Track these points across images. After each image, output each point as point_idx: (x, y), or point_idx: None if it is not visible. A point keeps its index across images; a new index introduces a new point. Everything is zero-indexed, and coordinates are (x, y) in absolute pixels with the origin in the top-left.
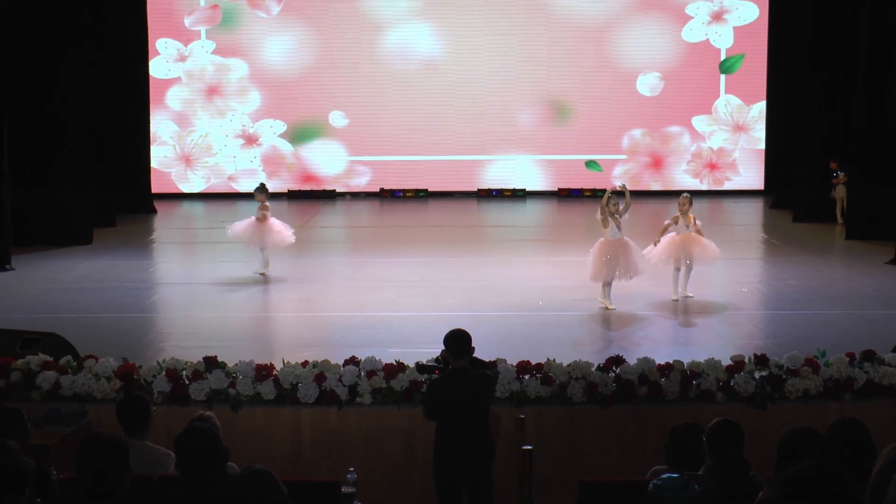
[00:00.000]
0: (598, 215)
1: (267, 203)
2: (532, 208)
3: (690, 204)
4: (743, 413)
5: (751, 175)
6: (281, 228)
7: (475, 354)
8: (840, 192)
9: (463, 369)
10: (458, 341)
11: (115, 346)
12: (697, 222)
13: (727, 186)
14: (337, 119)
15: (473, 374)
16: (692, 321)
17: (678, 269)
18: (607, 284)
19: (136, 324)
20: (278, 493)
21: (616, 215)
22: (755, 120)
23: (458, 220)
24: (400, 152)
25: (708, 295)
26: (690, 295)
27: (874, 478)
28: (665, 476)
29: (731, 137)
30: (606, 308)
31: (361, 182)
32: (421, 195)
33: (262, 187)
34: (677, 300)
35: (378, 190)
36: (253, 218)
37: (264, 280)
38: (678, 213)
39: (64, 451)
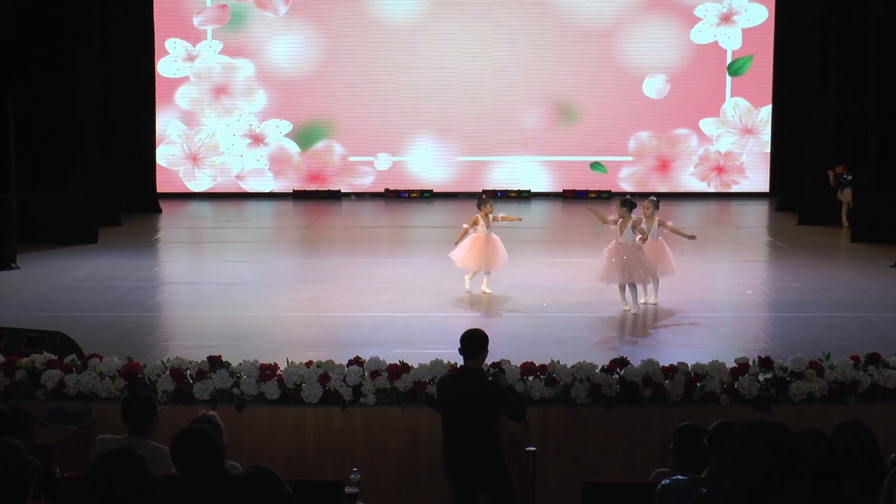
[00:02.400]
0: (611, 217)
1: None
2: (537, 209)
3: (655, 208)
4: (747, 415)
5: (758, 178)
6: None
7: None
8: (846, 195)
9: (474, 370)
10: (472, 341)
11: (119, 345)
12: (669, 223)
13: (734, 189)
14: (384, 161)
15: (484, 377)
16: (697, 323)
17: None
18: (622, 288)
19: (140, 323)
20: (283, 491)
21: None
22: (763, 123)
23: (463, 221)
24: (405, 153)
25: (713, 297)
26: (655, 302)
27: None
28: (672, 479)
29: (740, 140)
30: (624, 310)
31: (366, 182)
32: (426, 196)
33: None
34: (636, 313)
35: (383, 190)
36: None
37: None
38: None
39: (68, 449)
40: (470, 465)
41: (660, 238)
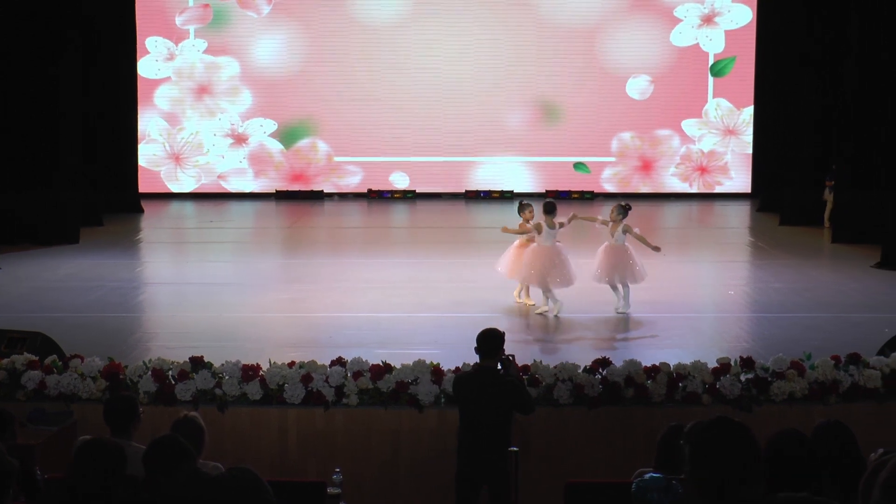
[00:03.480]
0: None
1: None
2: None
3: (621, 214)
4: (728, 415)
5: (739, 178)
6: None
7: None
8: (832, 196)
9: (490, 369)
10: (488, 340)
11: (101, 346)
12: (636, 230)
13: (716, 190)
14: (399, 179)
15: (499, 376)
16: (679, 323)
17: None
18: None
19: (122, 323)
20: (264, 492)
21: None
22: (746, 124)
23: (446, 222)
24: (389, 153)
25: (695, 297)
26: (623, 313)
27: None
28: (647, 476)
29: (722, 141)
30: (617, 311)
31: (350, 182)
32: (409, 196)
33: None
34: (624, 312)
35: (366, 191)
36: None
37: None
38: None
39: (49, 451)
40: (482, 462)
41: (626, 243)
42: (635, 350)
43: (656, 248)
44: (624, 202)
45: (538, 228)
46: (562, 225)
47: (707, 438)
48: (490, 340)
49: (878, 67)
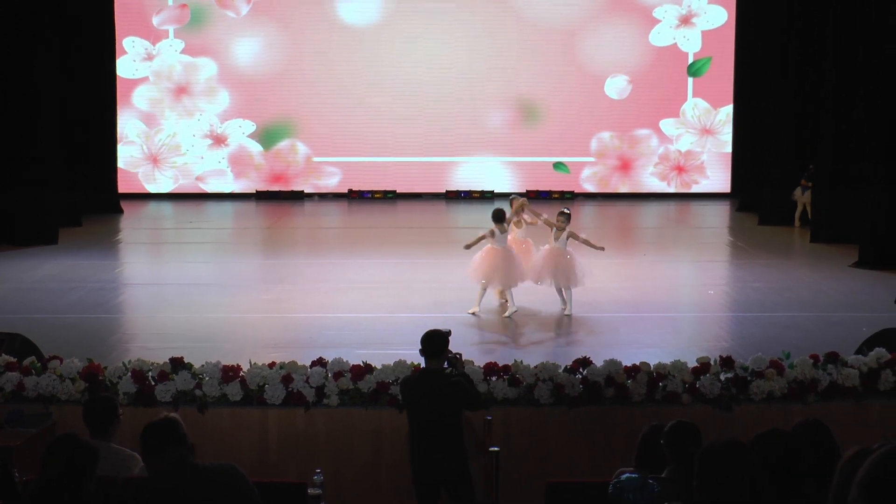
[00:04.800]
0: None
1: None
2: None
3: (566, 223)
4: (709, 415)
5: (718, 178)
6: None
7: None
8: (806, 197)
9: (436, 370)
10: (432, 342)
11: (80, 347)
12: (581, 235)
13: (695, 189)
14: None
15: (446, 376)
16: (659, 323)
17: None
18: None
19: (101, 324)
20: (249, 488)
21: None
22: (722, 123)
23: (426, 222)
24: (369, 153)
25: (674, 297)
26: (568, 314)
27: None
28: (624, 477)
29: (699, 141)
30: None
31: (330, 183)
32: (389, 196)
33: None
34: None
35: (346, 191)
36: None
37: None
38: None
39: (28, 452)
40: (435, 464)
41: (568, 248)
42: (616, 349)
43: (600, 248)
44: (567, 209)
45: (491, 234)
46: (511, 222)
47: (718, 462)
48: (434, 341)
49: (855, 67)
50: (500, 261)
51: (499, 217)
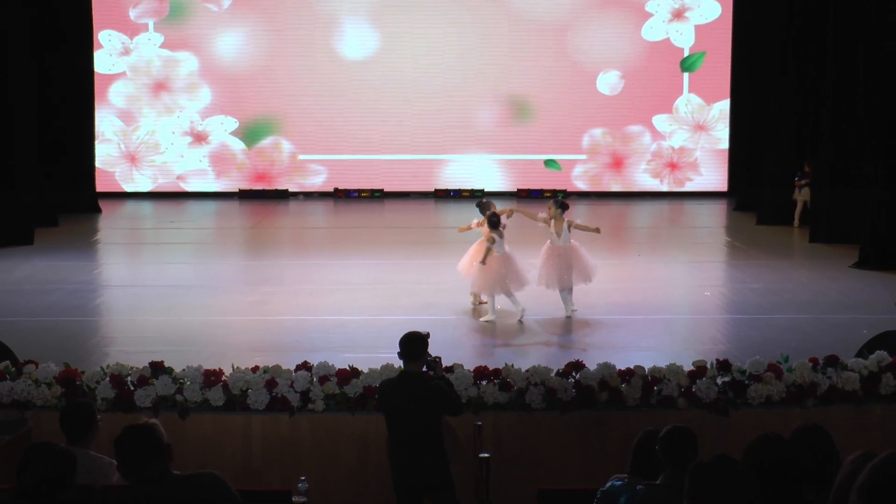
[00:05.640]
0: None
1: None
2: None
3: (559, 209)
4: (705, 419)
5: (712, 175)
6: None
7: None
8: (805, 195)
9: (415, 374)
10: (411, 344)
11: (56, 351)
12: (577, 221)
13: (689, 187)
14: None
15: (425, 380)
16: (654, 325)
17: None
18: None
19: (79, 327)
20: (232, 497)
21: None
22: (715, 119)
23: (414, 221)
24: (355, 151)
25: (670, 298)
26: (575, 311)
27: (837, 487)
28: (609, 485)
29: (692, 137)
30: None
31: (315, 182)
32: (377, 195)
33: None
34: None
35: (332, 190)
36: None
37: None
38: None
39: (2, 460)
40: (415, 470)
41: (573, 241)
42: (609, 353)
43: (596, 230)
44: (560, 196)
45: (492, 240)
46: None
47: (710, 480)
48: (413, 344)
49: (857, 60)
50: (504, 268)
51: (494, 223)
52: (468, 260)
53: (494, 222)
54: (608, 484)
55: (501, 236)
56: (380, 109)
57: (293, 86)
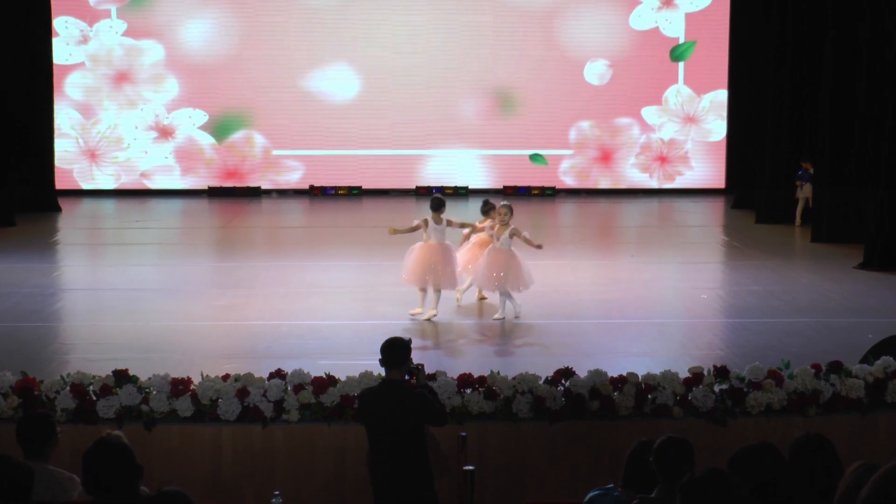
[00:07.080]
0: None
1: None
2: (475, 207)
3: (510, 215)
4: (701, 429)
5: (704, 170)
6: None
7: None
8: (806, 192)
9: (397, 382)
10: (394, 350)
11: (13, 358)
12: (524, 233)
13: (681, 182)
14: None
15: (408, 388)
16: (647, 330)
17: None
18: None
19: (37, 334)
20: None
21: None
22: (706, 111)
23: (395, 220)
24: (332, 146)
25: (664, 301)
26: (501, 319)
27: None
28: (590, 495)
29: (682, 129)
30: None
31: (290, 178)
32: (355, 193)
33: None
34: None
35: (308, 187)
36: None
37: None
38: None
39: None
40: (398, 484)
41: (512, 248)
42: (600, 359)
43: (539, 246)
44: (508, 202)
45: (425, 223)
46: (450, 223)
47: (702, 495)
48: (396, 350)
49: (857, 55)
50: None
51: (437, 205)
52: (466, 260)
53: (437, 204)
54: (589, 496)
55: (439, 223)
56: (358, 102)
57: (266, 77)
